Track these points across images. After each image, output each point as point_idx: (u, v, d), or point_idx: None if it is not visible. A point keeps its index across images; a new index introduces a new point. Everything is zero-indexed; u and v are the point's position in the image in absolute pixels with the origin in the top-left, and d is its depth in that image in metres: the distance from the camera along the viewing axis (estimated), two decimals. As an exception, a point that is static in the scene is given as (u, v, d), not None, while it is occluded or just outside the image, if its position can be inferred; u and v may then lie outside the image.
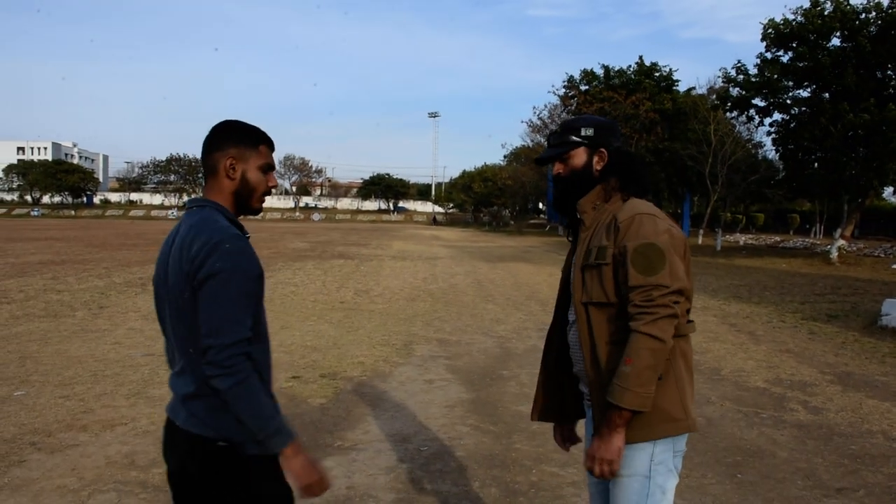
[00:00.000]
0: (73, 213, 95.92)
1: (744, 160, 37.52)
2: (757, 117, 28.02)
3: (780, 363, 7.72)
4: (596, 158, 2.30)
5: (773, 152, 33.05)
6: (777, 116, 27.39)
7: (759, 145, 40.81)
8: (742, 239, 40.89)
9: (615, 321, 2.14)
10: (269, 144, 2.13)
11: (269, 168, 2.12)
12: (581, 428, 2.57)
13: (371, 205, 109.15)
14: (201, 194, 2.13)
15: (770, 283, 17.04)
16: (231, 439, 1.95)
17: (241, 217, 2.13)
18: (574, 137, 2.30)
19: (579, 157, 2.31)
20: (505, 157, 78.24)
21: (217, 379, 1.86)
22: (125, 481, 4.10)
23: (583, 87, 45.18)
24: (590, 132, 2.30)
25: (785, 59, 25.68)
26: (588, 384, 2.23)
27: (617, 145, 2.32)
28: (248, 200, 2.09)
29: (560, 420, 2.57)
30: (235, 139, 2.06)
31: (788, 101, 26.48)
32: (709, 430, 5.31)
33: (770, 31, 25.12)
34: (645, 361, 2.01)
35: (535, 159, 2.45)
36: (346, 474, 4.30)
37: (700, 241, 37.48)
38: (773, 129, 28.01)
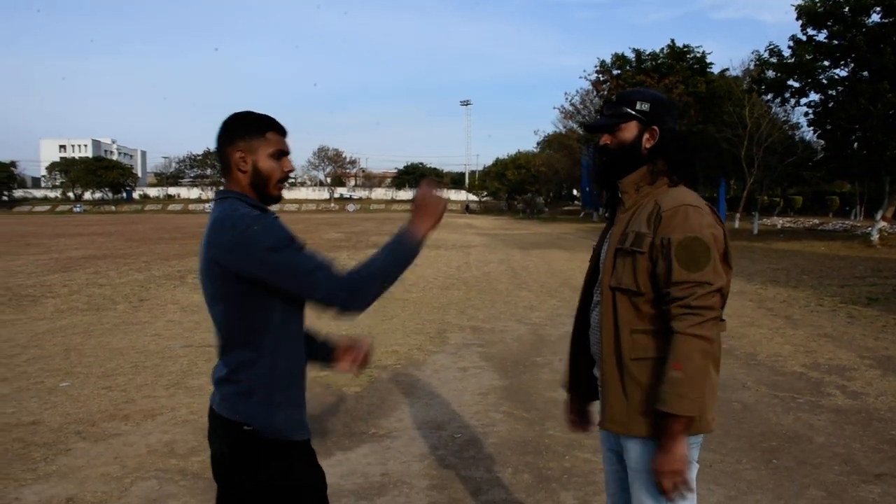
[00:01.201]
0: (113, 208, 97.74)
1: (780, 142, 36.79)
2: (792, 99, 27.48)
3: (818, 347, 7.62)
4: (647, 136, 2.18)
5: (811, 133, 32.41)
6: (813, 97, 26.83)
7: (796, 126, 40.01)
8: (780, 222, 40.27)
9: (641, 311, 2.08)
10: (279, 130, 2.10)
11: (281, 154, 2.09)
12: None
13: (405, 194, 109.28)
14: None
15: (808, 266, 16.76)
16: (255, 425, 2.00)
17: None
18: (628, 109, 2.19)
19: (630, 131, 2.19)
20: (538, 143, 77.85)
21: (353, 303, 1.98)
22: (165, 469, 4.21)
23: (615, 72, 44.67)
24: (645, 107, 2.18)
25: (820, 38, 25.10)
26: (602, 370, 2.18)
27: (671, 125, 2.21)
28: (264, 189, 2.08)
29: (574, 398, 2.52)
30: (241, 131, 2.05)
31: (824, 82, 25.89)
32: (744, 416, 5.28)
33: (804, 10, 24.57)
34: (696, 364, 1.95)
35: (584, 125, 2.37)
36: (380, 461, 4.36)
37: (737, 225, 37.00)
38: (809, 110, 27.46)
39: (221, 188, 2.13)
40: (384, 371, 6.58)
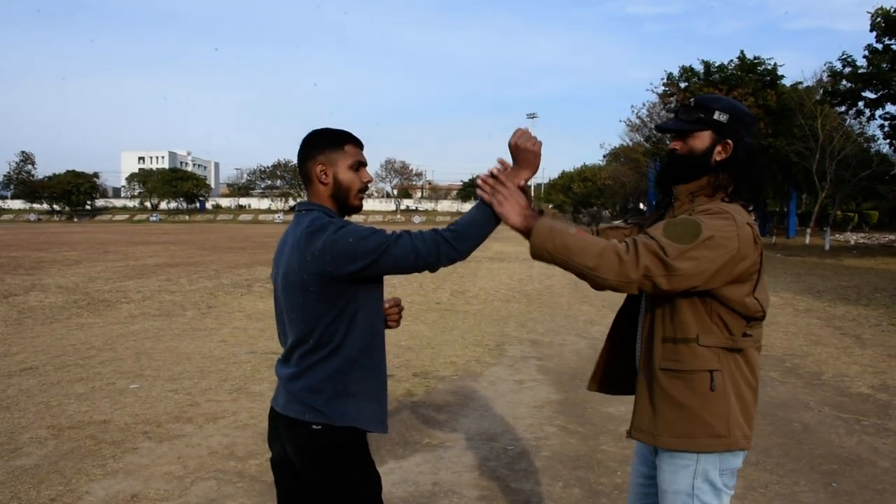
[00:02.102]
0: (187, 217, 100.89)
1: (854, 155, 35.65)
2: (867, 110, 26.61)
3: (888, 368, 7.37)
4: (719, 148, 2.09)
5: (887, 146, 31.27)
6: (890, 108, 25.95)
7: (872, 139, 38.68)
8: (853, 238, 38.89)
9: (674, 319, 2.04)
10: (356, 143, 2.22)
11: (359, 165, 2.21)
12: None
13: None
14: (306, 198, 2.26)
15: (882, 284, 16.16)
16: (326, 418, 2.09)
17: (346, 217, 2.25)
18: (703, 116, 2.09)
19: (703, 140, 2.10)
20: (604, 156, 77.17)
21: (447, 257, 2.08)
22: (224, 470, 4.37)
23: (682, 85, 43.98)
24: (724, 118, 2.07)
25: (896, 47, 24.30)
26: (637, 379, 2.19)
27: (748, 141, 2.11)
28: (346, 200, 2.19)
29: (616, 392, 2.45)
30: (321, 145, 2.18)
31: (902, 92, 25.04)
32: (805, 437, 5.16)
33: (879, 19, 23.80)
34: (575, 248, 1.93)
35: (657, 126, 2.27)
36: (432, 471, 4.43)
37: (807, 241, 35.89)
38: (885, 122, 26.54)
39: (302, 200, 2.25)
40: (441, 382, 6.65)
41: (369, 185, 2.27)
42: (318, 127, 2.25)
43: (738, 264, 1.96)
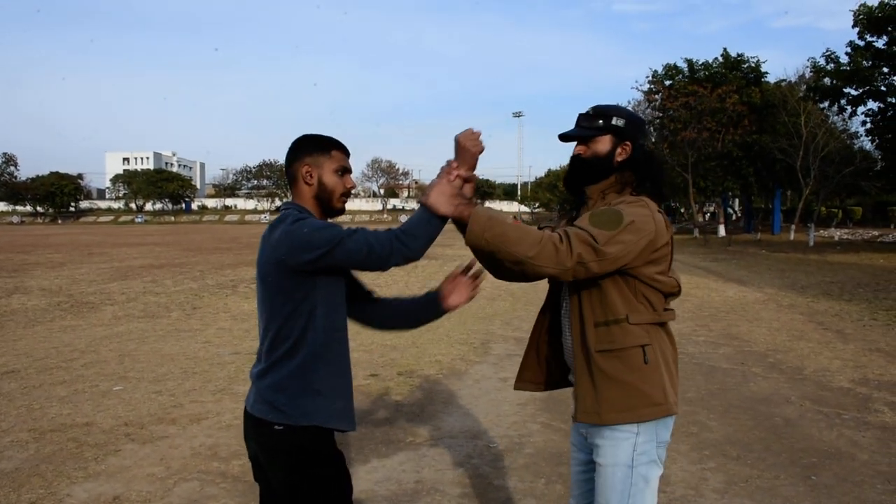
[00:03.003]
0: (172, 219, 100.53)
1: (838, 152, 35.93)
2: (849, 107, 26.83)
3: (869, 363, 7.44)
4: (619, 150, 2.29)
5: (869, 142, 31.57)
6: (872, 105, 26.16)
7: (855, 136, 39.00)
8: (837, 234, 39.23)
9: (602, 303, 2.19)
10: (342, 149, 2.29)
11: (344, 171, 2.27)
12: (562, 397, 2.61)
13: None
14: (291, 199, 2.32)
15: (864, 279, 16.31)
16: (288, 418, 2.10)
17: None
18: (602, 123, 2.29)
19: (604, 144, 2.29)
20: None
21: (400, 254, 2.08)
22: (207, 471, 4.36)
23: (667, 83, 44.16)
24: (620, 122, 2.28)
25: (879, 44, 24.47)
26: (573, 366, 2.29)
27: (643, 143, 2.32)
28: (328, 202, 2.25)
29: (542, 388, 2.56)
30: (309, 148, 2.25)
31: (883, 89, 25.23)
32: (785, 431, 5.20)
33: (862, 16, 24.01)
34: (514, 237, 2.02)
35: (559, 135, 2.42)
36: (415, 469, 4.44)
37: (792, 237, 36.17)
38: (867, 119, 26.78)
39: (286, 200, 2.30)
40: (426, 380, 6.66)
41: (352, 190, 2.32)
42: (307, 132, 2.32)
43: (656, 245, 2.16)
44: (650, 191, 2.30)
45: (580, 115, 2.37)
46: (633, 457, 2.18)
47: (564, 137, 2.39)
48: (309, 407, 2.11)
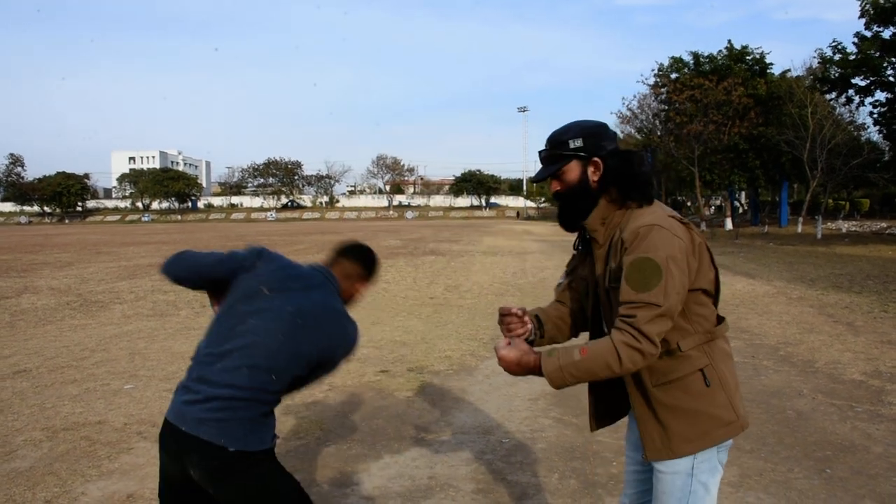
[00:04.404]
0: (179, 217, 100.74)
1: (845, 143, 35.79)
2: (857, 98, 26.69)
3: (881, 355, 7.41)
4: (591, 169, 2.15)
5: (877, 134, 31.41)
6: (879, 96, 26.01)
7: (862, 127, 38.83)
8: (845, 226, 39.08)
9: None
10: (374, 280, 2.69)
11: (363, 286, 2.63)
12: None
13: (463, 201, 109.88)
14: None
15: (873, 271, 16.24)
16: (243, 445, 2.16)
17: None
18: (563, 151, 2.16)
19: (573, 171, 2.16)
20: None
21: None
22: (222, 469, 4.37)
23: (672, 76, 44.05)
24: (578, 143, 2.14)
25: (886, 34, 24.32)
26: (632, 404, 2.20)
27: (612, 148, 2.17)
28: (345, 300, 2.55)
29: (613, 421, 2.44)
30: (365, 270, 2.61)
31: (891, 79, 25.08)
32: (798, 424, 5.19)
33: (868, 6, 23.85)
34: (595, 367, 1.98)
35: (530, 179, 2.36)
36: (428, 465, 4.44)
37: (799, 230, 36.04)
38: (875, 110, 26.63)
39: (334, 276, 2.51)
40: (436, 376, 6.66)
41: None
42: (373, 248, 2.70)
43: (690, 253, 2.06)
44: (642, 193, 2.14)
45: (539, 152, 2.26)
46: (694, 464, 2.12)
47: (535, 180, 2.32)
48: (265, 435, 2.23)
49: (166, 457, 2.23)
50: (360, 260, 2.58)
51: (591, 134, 2.16)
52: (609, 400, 2.38)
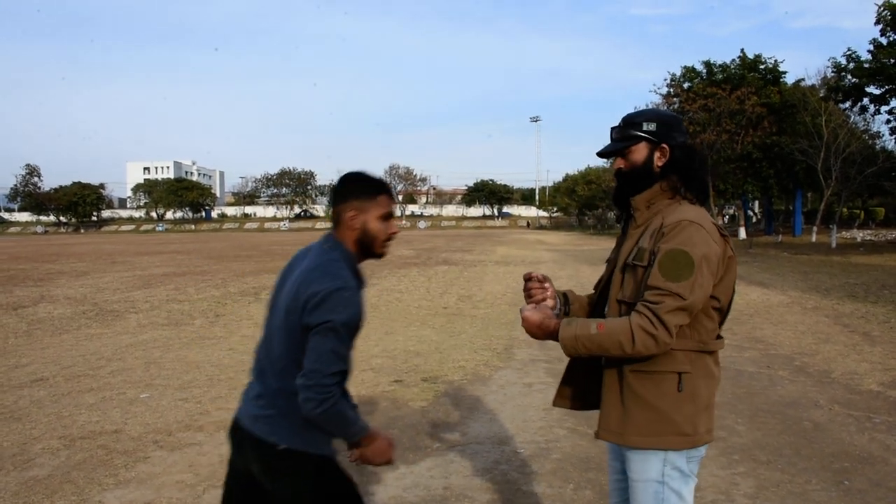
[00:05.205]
0: (193, 227, 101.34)
1: (859, 152, 35.56)
2: (872, 106, 26.52)
3: (898, 365, 7.35)
4: (657, 154, 2.22)
5: (892, 142, 31.22)
6: (895, 104, 25.83)
7: (877, 136, 38.59)
8: (860, 235, 38.78)
9: None
10: (389, 194, 2.30)
11: (388, 216, 2.27)
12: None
13: (475, 211, 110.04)
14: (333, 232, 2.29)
15: (889, 281, 16.11)
16: (290, 443, 2.15)
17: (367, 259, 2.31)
18: (635, 132, 2.23)
19: (640, 152, 2.23)
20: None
21: (311, 403, 2.04)
22: (238, 478, 4.38)
23: (685, 85, 43.97)
24: (652, 127, 2.22)
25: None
26: (603, 381, 2.23)
27: (681, 140, 2.24)
28: (370, 248, 2.26)
29: (580, 407, 2.48)
30: (356, 191, 2.25)
31: (908, 88, 24.94)
32: (815, 435, 5.15)
33: (885, 12, 23.71)
34: (608, 344, 2.03)
35: (597, 152, 2.37)
36: (443, 475, 4.44)
37: (814, 239, 35.82)
38: (891, 118, 26.46)
39: (331, 233, 2.29)
40: (450, 386, 6.66)
41: (395, 236, 2.33)
42: (354, 170, 2.31)
43: (720, 261, 2.13)
44: (697, 189, 2.23)
45: (612, 128, 2.33)
46: (665, 472, 2.14)
47: (602, 154, 2.36)
48: (305, 433, 2.16)
49: (233, 450, 2.33)
50: (341, 196, 2.26)
51: (665, 122, 2.25)
52: (583, 384, 2.42)
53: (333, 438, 2.20)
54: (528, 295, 2.40)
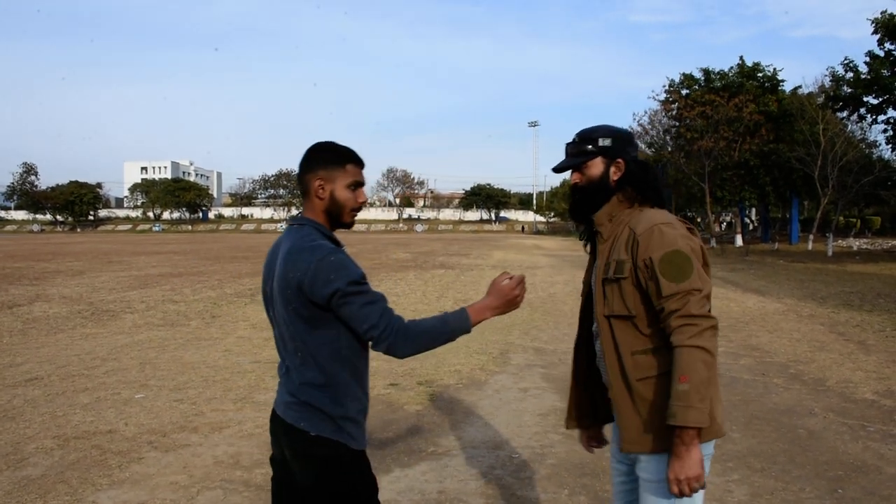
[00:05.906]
0: (190, 227, 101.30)
1: (856, 161, 35.68)
2: (869, 116, 26.64)
3: (892, 374, 7.35)
4: (613, 169, 2.29)
5: (889, 151, 31.34)
6: (892, 114, 25.96)
7: (874, 145, 38.73)
8: (856, 244, 38.86)
9: (638, 332, 2.17)
10: (357, 162, 2.25)
11: (357, 185, 2.24)
12: (608, 430, 2.63)
13: (473, 215, 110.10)
14: (302, 210, 2.30)
15: (885, 289, 16.14)
16: (320, 433, 2.13)
17: (338, 231, 2.30)
18: (591, 147, 2.29)
19: (596, 167, 2.29)
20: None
21: (397, 351, 2.11)
22: (230, 480, 4.38)
23: (683, 92, 44.08)
24: (607, 142, 2.28)
25: (898, 52, 24.29)
26: (612, 395, 2.24)
27: (634, 155, 2.31)
28: (339, 217, 2.24)
29: (592, 426, 2.59)
30: (323, 161, 2.22)
31: (904, 98, 25.04)
32: (809, 443, 5.15)
33: (881, 24, 23.82)
34: (701, 375, 2.00)
35: (552, 168, 2.43)
36: (437, 479, 4.44)
37: (810, 247, 35.88)
38: (888, 127, 26.56)
39: (298, 213, 2.28)
40: (446, 390, 6.66)
41: (363, 205, 2.30)
42: (323, 140, 2.28)
43: (700, 250, 2.21)
44: (653, 199, 2.30)
45: (567, 144, 2.37)
46: None
47: (557, 169, 2.41)
48: (336, 426, 2.15)
49: (272, 440, 2.33)
50: (308, 166, 2.23)
51: (620, 137, 2.32)
52: (590, 402, 2.51)
53: (454, 338, 2.19)
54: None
